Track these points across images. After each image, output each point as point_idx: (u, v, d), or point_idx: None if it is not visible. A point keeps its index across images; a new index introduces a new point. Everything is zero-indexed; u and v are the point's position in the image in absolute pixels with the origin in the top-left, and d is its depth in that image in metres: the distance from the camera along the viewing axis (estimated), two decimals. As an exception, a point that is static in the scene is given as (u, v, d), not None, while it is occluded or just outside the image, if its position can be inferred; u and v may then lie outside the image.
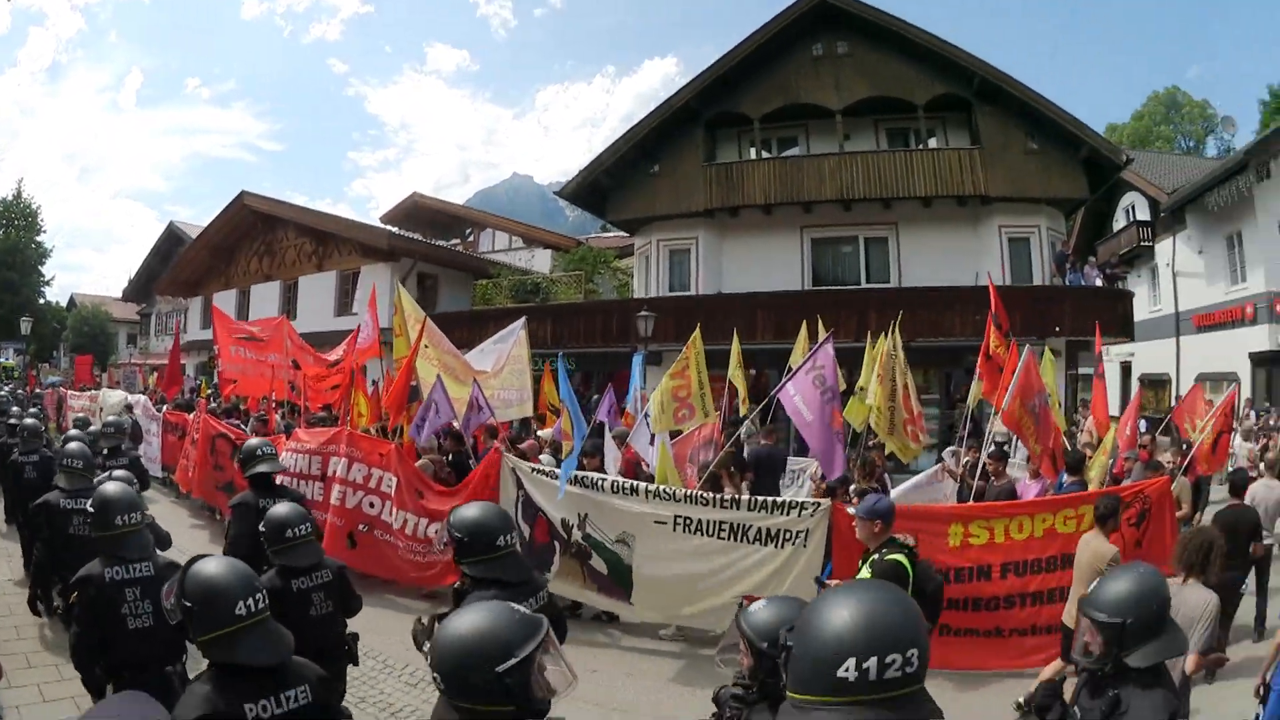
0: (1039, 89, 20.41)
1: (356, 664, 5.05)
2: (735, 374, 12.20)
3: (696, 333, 10.76)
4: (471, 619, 2.27)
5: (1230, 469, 10.83)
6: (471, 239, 35.89)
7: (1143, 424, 14.85)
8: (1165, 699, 2.73)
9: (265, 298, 29.58)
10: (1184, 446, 10.71)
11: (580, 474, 8.30)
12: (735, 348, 12.23)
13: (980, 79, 20.45)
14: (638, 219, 22.70)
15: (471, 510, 3.93)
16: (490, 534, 3.76)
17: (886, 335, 10.05)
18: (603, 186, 22.41)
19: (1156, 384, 27.22)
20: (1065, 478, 8.92)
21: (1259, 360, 22.33)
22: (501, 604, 2.38)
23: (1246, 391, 21.91)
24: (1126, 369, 29.51)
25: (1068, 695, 3.47)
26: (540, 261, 30.37)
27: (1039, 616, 7.05)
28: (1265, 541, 7.92)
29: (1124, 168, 22.37)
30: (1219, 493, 11.26)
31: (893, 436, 9.72)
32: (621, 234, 27.84)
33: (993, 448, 9.80)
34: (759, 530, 7.36)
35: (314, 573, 4.66)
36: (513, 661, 2.16)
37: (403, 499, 9.23)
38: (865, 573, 5.38)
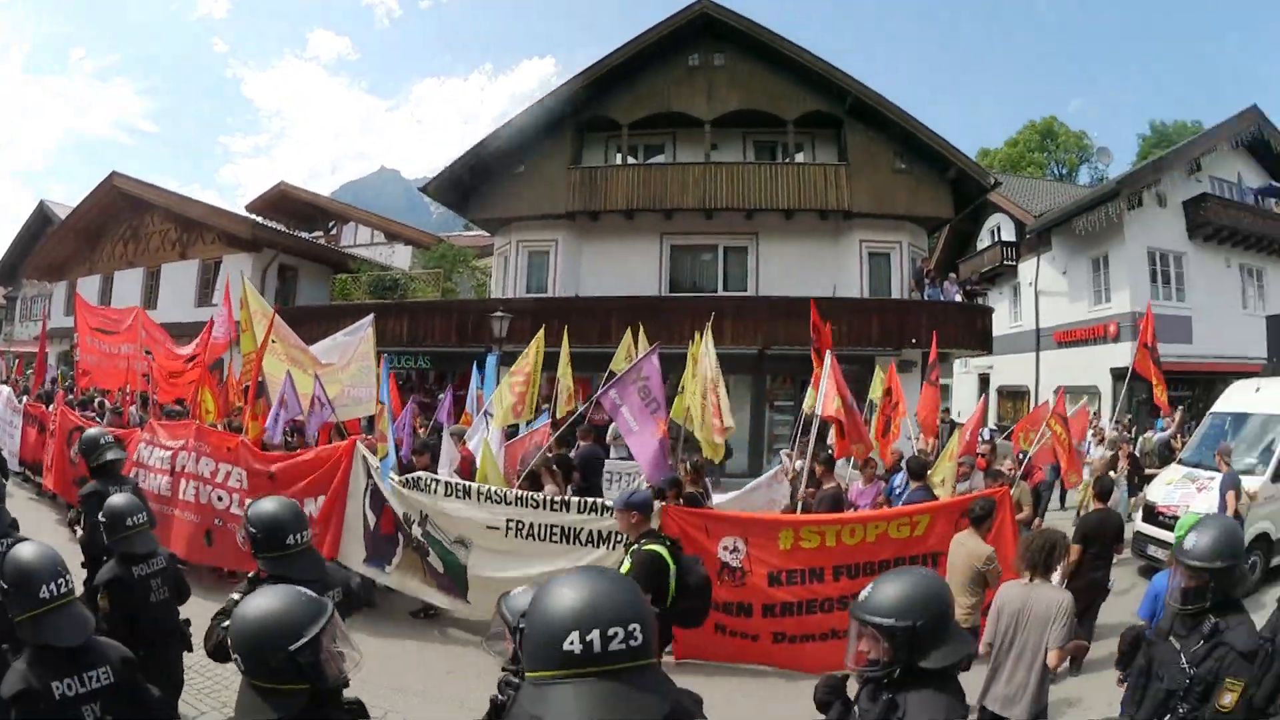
0: (921, 113, 21.22)
1: (191, 650, 4.98)
2: (565, 375, 12.35)
3: (540, 333, 11.04)
4: (261, 602, 2.44)
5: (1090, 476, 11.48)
6: (335, 232, 35.27)
7: (985, 432, 15.38)
8: (950, 704, 2.69)
9: (128, 285, 28.55)
10: (1021, 455, 11.29)
11: (416, 476, 8.36)
12: (565, 350, 12.29)
13: (854, 98, 20.81)
14: (499, 218, 22.59)
15: (267, 506, 3.99)
16: (281, 531, 3.84)
17: (701, 336, 10.16)
18: (467, 184, 22.13)
19: (1015, 395, 28.07)
20: (898, 481, 9.56)
21: (1120, 375, 22.61)
22: (288, 588, 2.54)
23: (1107, 404, 23.45)
24: (985, 380, 30.37)
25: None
26: (400, 258, 30.12)
27: None
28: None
29: (990, 190, 22.95)
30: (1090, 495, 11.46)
31: (702, 431, 9.81)
32: (483, 233, 27.30)
33: (824, 454, 9.89)
34: (591, 533, 7.43)
35: (150, 560, 4.78)
36: (303, 641, 2.32)
37: (255, 492, 8.79)
38: (625, 564, 5.53)
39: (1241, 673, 3.36)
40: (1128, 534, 10.71)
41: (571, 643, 1.64)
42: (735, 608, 7.21)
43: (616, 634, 1.66)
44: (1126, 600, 9.08)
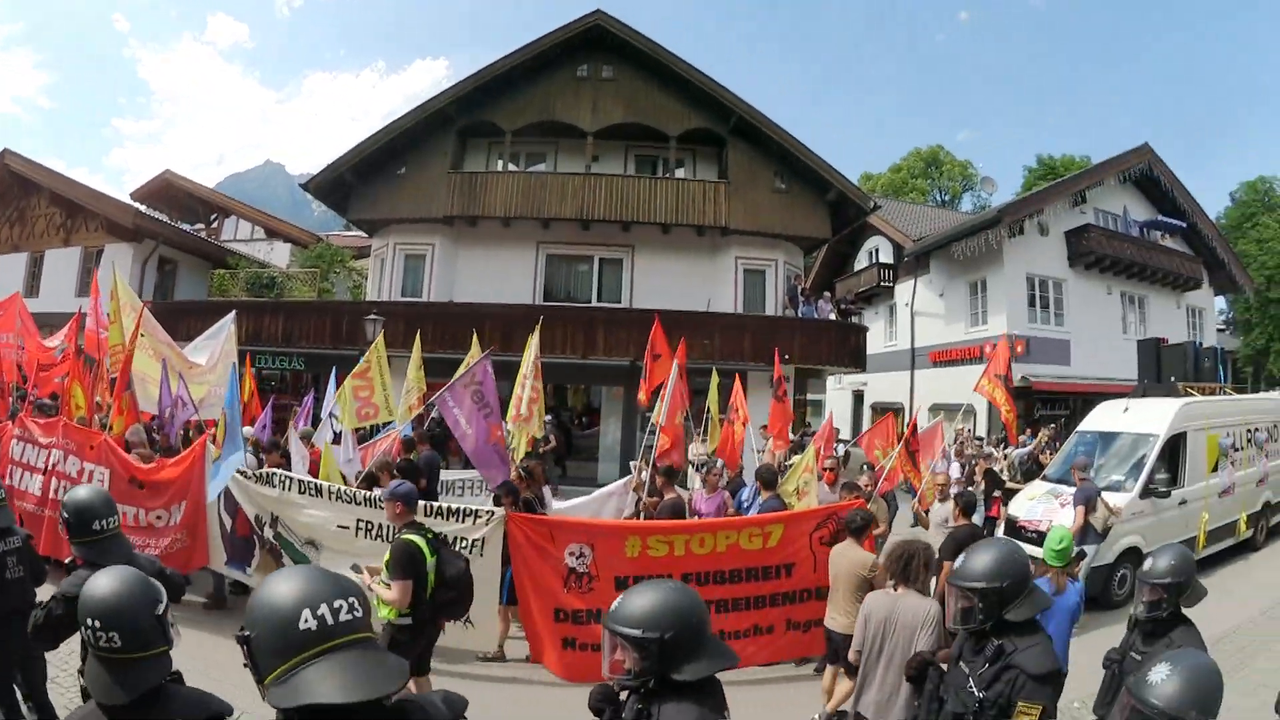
0: (811, 138, 21.67)
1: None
2: (418, 380, 12.22)
3: (380, 336, 11.16)
4: (114, 576, 2.61)
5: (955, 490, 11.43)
6: (216, 225, 34.58)
7: (839, 448, 15.88)
8: (702, 715, 2.68)
9: (11, 270, 27.31)
10: (873, 469, 11.48)
11: (268, 471, 8.30)
12: (416, 353, 12.28)
13: (738, 117, 21.28)
14: (378, 220, 22.38)
15: (80, 493, 4.21)
16: (89, 516, 4.05)
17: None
18: (349, 183, 21.89)
19: (888, 412, 27.93)
20: (746, 493, 9.75)
21: None
22: (126, 567, 2.74)
23: (983, 422, 24.20)
24: (859, 397, 31.32)
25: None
26: (279, 255, 29.69)
27: (728, 623, 7.28)
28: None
29: (870, 213, 23.64)
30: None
31: (527, 428, 10.40)
32: (362, 234, 27.35)
33: (664, 465, 9.87)
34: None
35: (7, 538, 4.93)
36: (164, 603, 2.59)
37: (119, 491, 8.54)
38: (386, 554, 5.71)
39: (1036, 696, 3.33)
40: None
41: (306, 620, 1.77)
42: (585, 615, 7.19)
43: (341, 606, 1.82)
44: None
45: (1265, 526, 15.62)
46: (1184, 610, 4.30)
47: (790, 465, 11.58)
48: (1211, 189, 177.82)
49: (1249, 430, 15.15)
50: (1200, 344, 17.67)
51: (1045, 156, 51.20)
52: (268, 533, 8.09)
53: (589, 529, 7.54)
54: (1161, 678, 2.52)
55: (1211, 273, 31.81)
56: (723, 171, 22.05)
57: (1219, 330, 41.01)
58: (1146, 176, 28.40)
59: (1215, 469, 13.57)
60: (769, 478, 9.25)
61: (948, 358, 27.24)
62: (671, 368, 10.34)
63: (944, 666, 4.13)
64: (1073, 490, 11.17)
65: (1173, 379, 15.05)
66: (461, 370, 9.51)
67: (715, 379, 13.43)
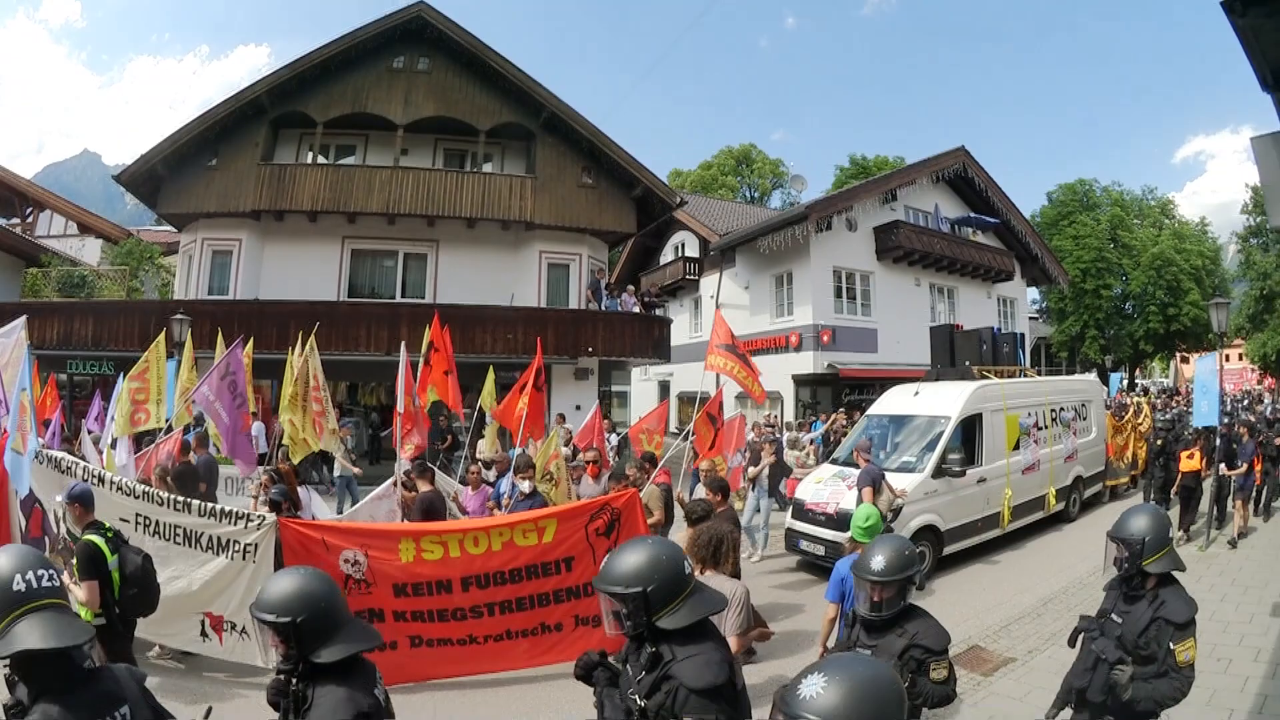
0: (624, 135, 22.22)
1: None
2: (191, 381, 11.95)
3: (160, 337, 11.13)
4: None
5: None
6: (32, 219, 32.60)
7: (612, 439, 16.15)
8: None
9: None
10: (651, 456, 11.18)
11: (59, 456, 8.01)
12: (187, 355, 12.32)
13: (549, 113, 21.84)
14: (187, 214, 21.68)
15: None
16: None
17: (302, 342, 10.42)
18: (160, 175, 20.95)
19: (694, 401, 29.28)
20: (505, 484, 9.88)
21: (802, 381, 26.37)
22: None
23: (790, 407, 26.46)
24: (665, 387, 31.86)
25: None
26: (90, 252, 28.59)
27: (514, 622, 7.24)
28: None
29: (675, 209, 24.53)
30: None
31: (305, 432, 10.00)
32: (174, 229, 25.80)
33: (418, 461, 10.01)
34: (211, 538, 7.16)
35: None
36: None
37: None
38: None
39: (699, 711, 3.00)
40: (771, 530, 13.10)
41: (18, 583, 2.44)
42: (368, 615, 6.90)
43: (44, 574, 2.49)
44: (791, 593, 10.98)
45: (1078, 500, 16.67)
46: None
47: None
48: (1031, 189, 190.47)
49: (1054, 410, 15.99)
50: (999, 329, 18.20)
51: (858, 156, 53.91)
52: (61, 529, 7.81)
53: (362, 534, 7.29)
54: (814, 692, 1.89)
55: (1024, 265, 34.08)
56: (530, 166, 22.43)
57: (1032, 319, 43.86)
58: (960, 177, 30.27)
59: (1017, 447, 14.23)
60: (526, 466, 9.42)
61: (753, 348, 27.11)
62: (444, 361, 10.96)
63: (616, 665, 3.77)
64: (859, 473, 11.29)
65: (967, 362, 15.62)
66: (216, 361, 9.77)
67: (491, 375, 13.61)
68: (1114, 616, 4.47)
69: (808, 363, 25.89)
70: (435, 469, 10.43)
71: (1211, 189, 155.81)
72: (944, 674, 3.88)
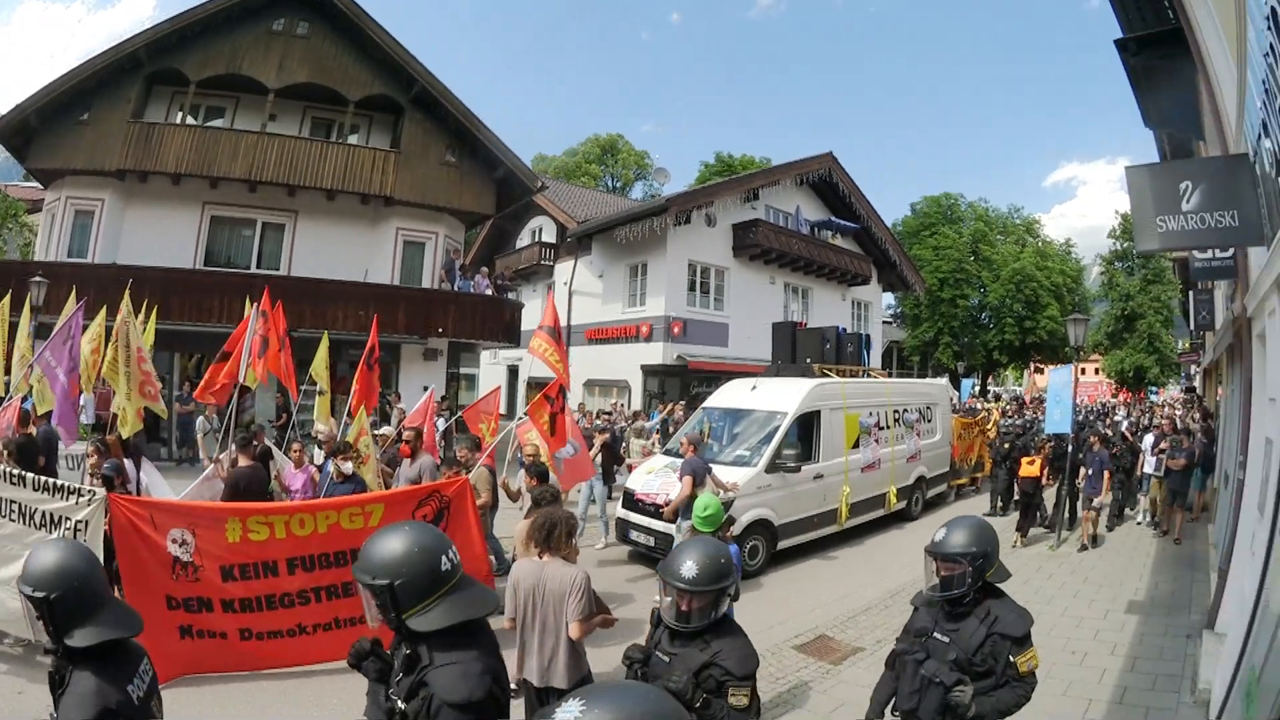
0: (492, 115, 22.88)
1: None
2: (28, 348, 12.09)
3: (5, 300, 11.47)
4: None
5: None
6: None
7: (440, 423, 16.25)
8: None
9: None
10: (476, 442, 11.47)
11: None
12: (24, 321, 12.39)
13: (420, 87, 22.64)
14: (53, 169, 21.21)
15: None
16: None
17: (146, 310, 11.34)
18: (32, 128, 20.37)
19: (543, 386, 30.59)
20: (331, 465, 9.68)
21: (651, 371, 27.99)
22: None
23: (638, 395, 28.02)
24: (515, 371, 33.09)
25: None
26: None
27: (342, 609, 7.35)
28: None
29: (535, 193, 25.86)
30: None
31: (130, 401, 10.26)
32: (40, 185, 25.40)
33: (241, 435, 10.56)
34: (44, 514, 7.17)
35: None
36: None
37: None
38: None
39: None
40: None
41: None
42: (196, 603, 7.09)
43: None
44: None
45: (921, 499, 17.71)
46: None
47: (380, 435, 12.63)
48: (898, 199, 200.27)
49: (897, 410, 16.88)
50: (844, 329, 18.55)
51: (725, 155, 57.05)
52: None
53: (190, 512, 7.33)
54: None
55: (881, 271, 37.07)
56: (396, 141, 23.08)
57: (886, 323, 47.93)
58: (825, 181, 32.86)
59: (857, 445, 14.95)
60: (340, 446, 9.77)
61: (604, 336, 30.03)
62: (275, 337, 11.44)
63: None
64: (681, 463, 11.60)
65: (808, 360, 16.31)
66: (58, 326, 10.05)
67: (325, 343, 13.63)
68: (939, 636, 4.35)
69: (657, 353, 27.49)
70: (271, 445, 11.18)
71: (1080, 213, 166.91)
72: (745, 701, 3.75)
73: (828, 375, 15.71)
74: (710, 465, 11.54)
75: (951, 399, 30.73)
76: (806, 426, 13.92)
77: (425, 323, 21.87)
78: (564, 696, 1.89)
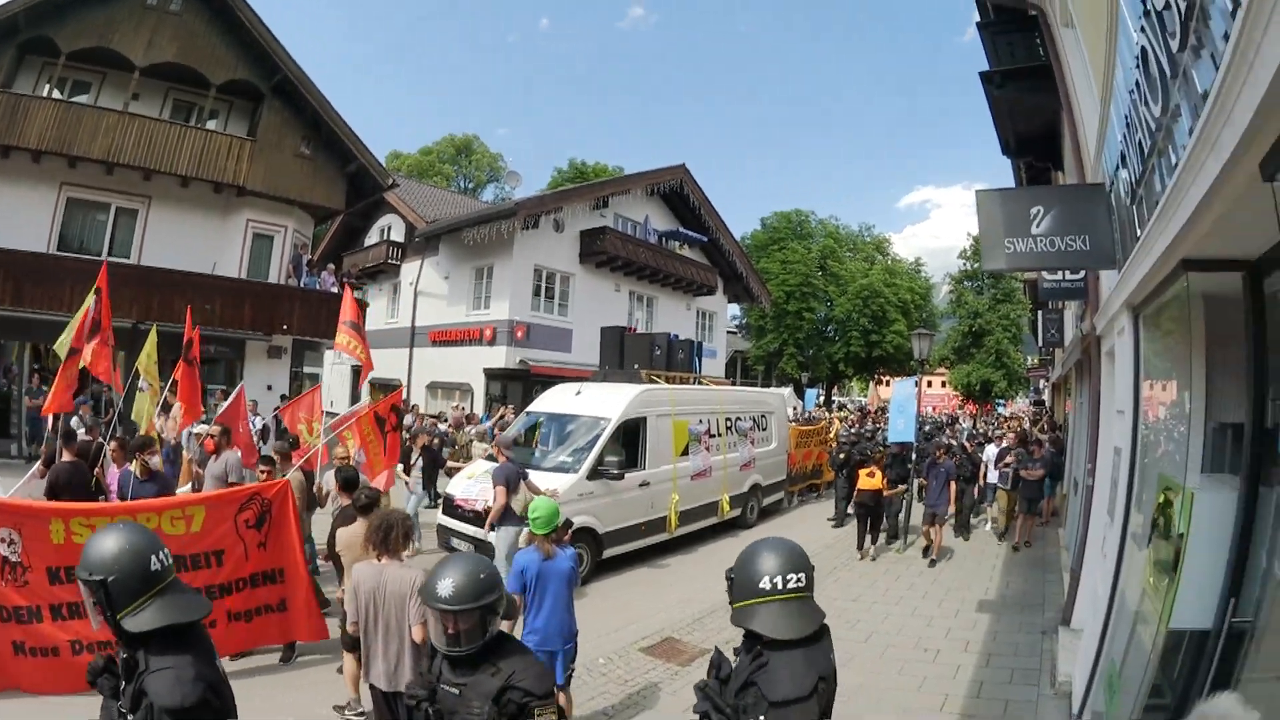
0: (350, 108, 24.36)
1: None
2: None
3: None
4: None
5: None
6: None
7: (256, 421, 16.90)
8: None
9: None
10: (294, 441, 12.48)
11: None
12: None
13: (284, 76, 23.65)
14: None
15: None
16: None
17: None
18: None
19: (387, 388, 29.74)
20: (140, 463, 9.68)
21: (493, 375, 29.91)
22: None
23: (480, 399, 29.75)
24: (357, 372, 32.69)
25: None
26: None
27: None
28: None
29: (387, 190, 27.43)
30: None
31: None
32: None
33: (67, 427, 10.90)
34: None
35: None
36: None
37: None
38: None
39: None
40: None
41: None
42: (27, 613, 7.08)
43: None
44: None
45: (756, 507, 18.46)
46: None
47: (201, 435, 12.70)
48: (749, 213, 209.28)
49: (729, 418, 17.45)
50: (675, 336, 19.07)
51: (579, 161, 60.87)
52: None
53: (15, 511, 7.25)
54: None
55: (728, 282, 40.12)
56: (253, 129, 23.74)
57: (731, 333, 52.22)
58: (676, 193, 35.60)
59: (686, 453, 15.45)
60: (135, 447, 9.92)
61: (447, 338, 31.74)
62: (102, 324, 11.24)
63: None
64: (494, 468, 11.83)
65: (636, 365, 16.69)
66: None
67: (153, 336, 13.17)
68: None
69: (500, 357, 29.20)
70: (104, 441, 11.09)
71: (933, 234, 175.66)
72: (555, 719, 3.71)
73: (656, 381, 16.12)
74: (526, 471, 11.95)
75: (796, 408, 34.15)
76: (632, 433, 14.45)
77: (270, 319, 22.67)
78: None
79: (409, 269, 34.27)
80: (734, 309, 53.83)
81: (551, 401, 15.83)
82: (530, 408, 16.42)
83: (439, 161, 61.46)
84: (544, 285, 31.13)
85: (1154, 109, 4.51)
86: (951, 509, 16.21)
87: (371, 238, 37.48)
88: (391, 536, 5.87)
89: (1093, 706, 7.51)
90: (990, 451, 19.71)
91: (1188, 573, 5.23)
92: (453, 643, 3.72)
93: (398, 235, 35.46)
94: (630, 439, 14.44)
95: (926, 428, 26.82)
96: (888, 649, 10.41)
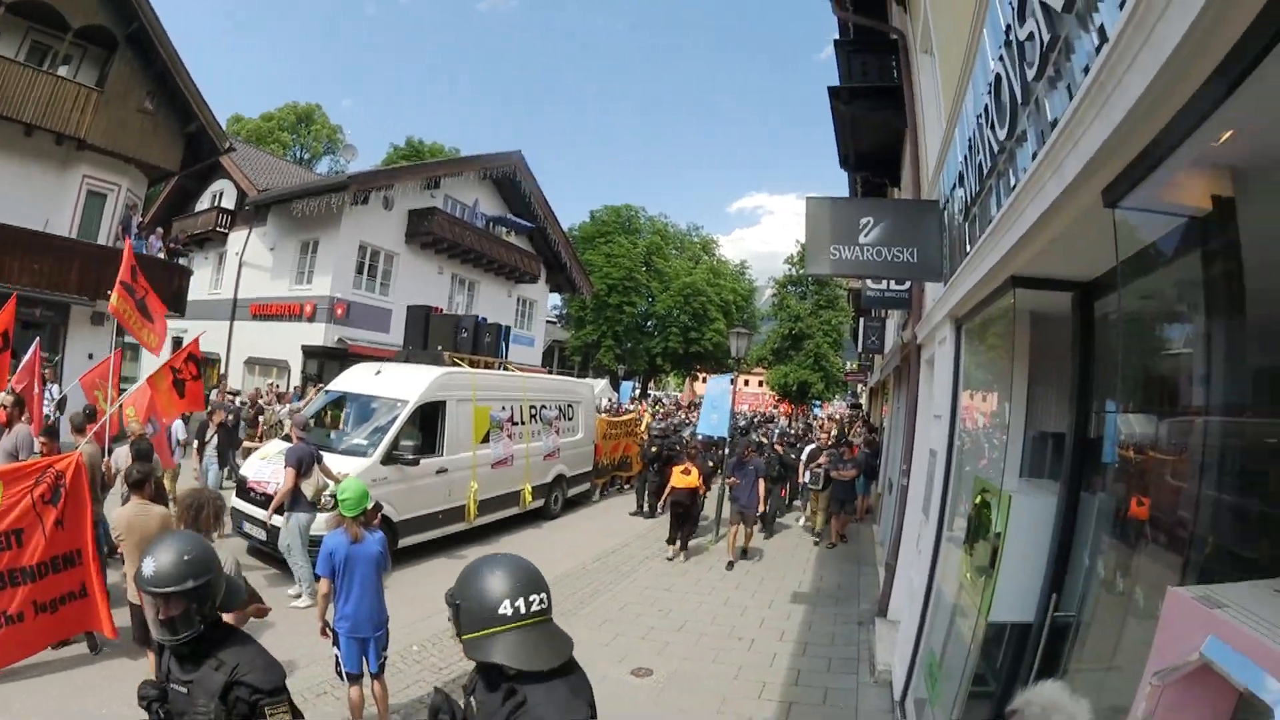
0: (197, 66, 24.66)
1: None
2: None
3: None
4: None
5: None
6: None
7: (54, 390, 17.44)
8: None
9: None
10: (91, 411, 11.67)
11: None
12: None
13: (140, 24, 23.47)
14: None
15: None
16: None
17: None
18: None
19: (206, 362, 29.35)
20: None
21: (311, 352, 31.27)
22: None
23: (296, 376, 30.57)
24: (178, 343, 31.47)
25: None
26: None
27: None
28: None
29: (223, 154, 28.44)
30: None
31: None
32: None
33: None
34: None
35: None
36: None
37: None
38: None
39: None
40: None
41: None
42: None
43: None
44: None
45: (561, 497, 19.21)
46: None
47: None
48: (580, 205, 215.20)
49: (534, 406, 17.89)
50: (485, 320, 18.97)
51: (416, 140, 63.39)
52: None
53: None
54: None
55: (551, 272, 42.74)
56: (102, 79, 23.35)
57: (550, 322, 55.68)
58: (509, 179, 38.00)
59: (486, 439, 15.78)
60: None
61: (268, 312, 32.32)
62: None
63: None
64: (287, 449, 11.98)
65: (439, 347, 16.64)
66: None
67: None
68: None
69: (319, 335, 30.31)
70: None
71: (762, 239, 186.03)
72: (288, 717, 3.67)
73: (460, 365, 16.24)
74: (320, 453, 11.95)
75: (611, 400, 36.81)
76: (431, 417, 14.59)
77: (98, 283, 22.06)
78: None
79: (236, 238, 34.57)
80: (555, 298, 56.97)
81: (351, 381, 15.83)
82: (330, 386, 16.55)
83: (279, 129, 62.26)
84: (368, 263, 32.45)
85: (999, 132, 4.97)
86: (761, 508, 16.58)
87: (204, 203, 37.23)
88: (203, 516, 5.96)
89: (915, 694, 8.02)
90: (808, 450, 20.62)
91: (1006, 569, 5.64)
92: (166, 629, 3.64)
93: (229, 202, 35.45)
94: (429, 423, 14.66)
95: (742, 424, 29.26)
96: (702, 637, 11.07)
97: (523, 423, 17.49)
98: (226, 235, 35.20)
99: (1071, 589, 5.32)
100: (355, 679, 7.13)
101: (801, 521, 20.28)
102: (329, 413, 15.75)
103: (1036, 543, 5.59)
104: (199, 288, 31.22)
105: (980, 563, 6.15)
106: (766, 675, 9.61)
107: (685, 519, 15.95)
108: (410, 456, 13.51)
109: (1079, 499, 5.52)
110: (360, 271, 32.18)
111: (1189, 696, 2.43)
